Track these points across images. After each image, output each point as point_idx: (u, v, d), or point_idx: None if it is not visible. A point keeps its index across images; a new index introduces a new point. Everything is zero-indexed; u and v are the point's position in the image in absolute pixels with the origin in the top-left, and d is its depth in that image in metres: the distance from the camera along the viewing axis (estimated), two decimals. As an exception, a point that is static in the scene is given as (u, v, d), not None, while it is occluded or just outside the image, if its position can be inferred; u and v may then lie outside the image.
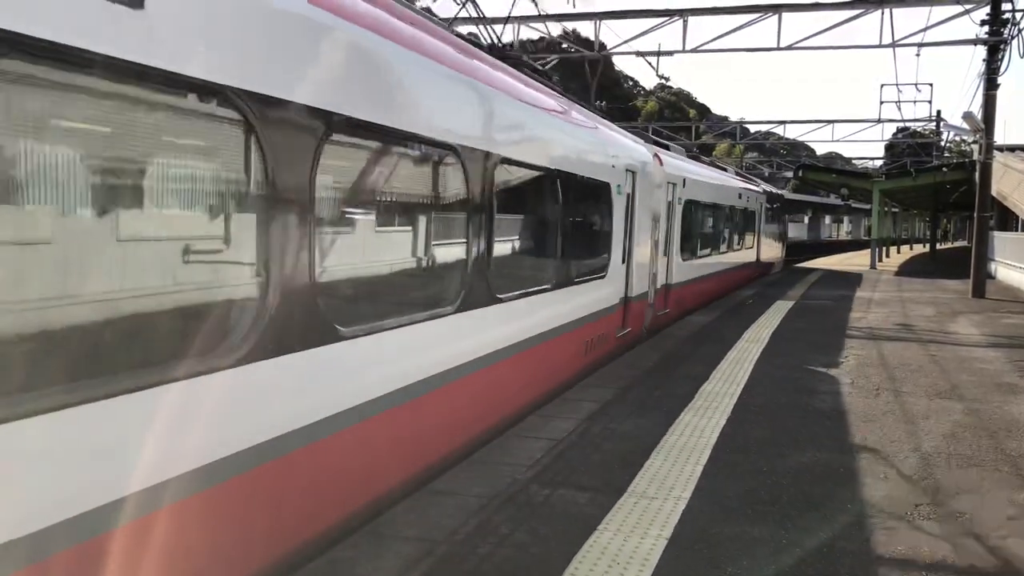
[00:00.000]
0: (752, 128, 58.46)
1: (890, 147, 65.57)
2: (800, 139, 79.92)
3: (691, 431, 7.26)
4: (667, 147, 16.26)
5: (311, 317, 4.33)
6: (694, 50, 21.33)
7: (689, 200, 15.75)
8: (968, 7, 19.47)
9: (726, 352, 11.50)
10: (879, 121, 38.09)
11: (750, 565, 4.53)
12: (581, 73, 32.78)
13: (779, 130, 58.92)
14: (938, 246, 51.99)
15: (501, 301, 6.97)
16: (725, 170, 24.86)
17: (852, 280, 26.58)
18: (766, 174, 64.63)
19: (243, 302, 3.97)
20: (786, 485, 5.90)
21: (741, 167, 52.02)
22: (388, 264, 5.63)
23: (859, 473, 6.22)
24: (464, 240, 6.34)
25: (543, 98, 8.58)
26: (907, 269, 33.53)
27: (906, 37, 21.30)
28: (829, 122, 42.17)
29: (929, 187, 35.53)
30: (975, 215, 21.92)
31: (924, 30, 20.98)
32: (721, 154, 74.46)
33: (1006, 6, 19.76)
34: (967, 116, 21.66)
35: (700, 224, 17.55)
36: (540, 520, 5.09)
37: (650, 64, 22.76)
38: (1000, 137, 26.52)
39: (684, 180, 15.29)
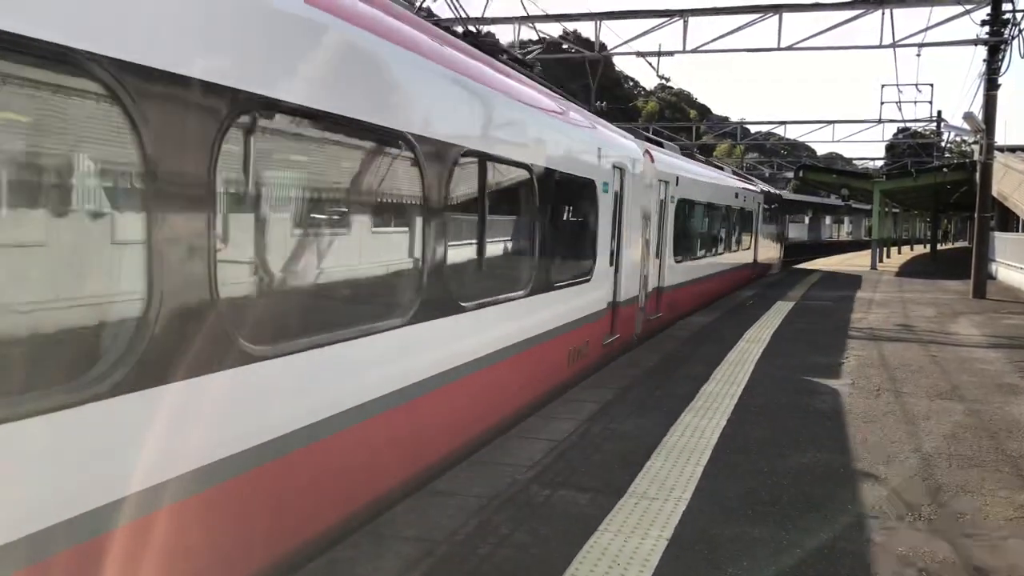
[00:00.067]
0: (753, 128, 58.43)
1: (891, 147, 65.54)
2: (801, 140, 79.86)
3: (691, 431, 7.25)
4: (660, 144, 15.84)
5: (209, 337, 3.61)
6: (694, 50, 21.34)
7: (683, 199, 15.25)
8: (968, 7, 19.47)
9: (726, 353, 11.50)
10: (880, 121, 38.15)
11: (750, 566, 4.53)
12: (582, 74, 32.80)
13: (780, 131, 58.91)
14: (939, 247, 52.00)
15: (465, 310, 6.31)
16: (722, 169, 24.47)
17: (853, 281, 26.57)
18: (767, 174, 64.64)
19: (114, 323, 3.29)
20: (787, 486, 5.89)
21: (742, 167, 52.00)
22: (322, 271, 4.83)
23: (860, 474, 6.22)
24: (419, 242, 5.63)
25: (520, 88, 7.94)
26: (908, 270, 33.52)
27: (907, 37, 21.31)
28: (830, 123, 42.21)
29: (930, 188, 35.54)
30: (976, 216, 21.92)
31: (925, 30, 21.03)
32: (722, 155, 74.41)
33: (1006, 6, 19.77)
34: (968, 116, 21.65)
35: (694, 224, 17.07)
36: (540, 521, 5.09)
37: (650, 64, 22.81)
38: (1001, 137, 26.49)
39: (677, 178, 14.77)
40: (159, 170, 3.31)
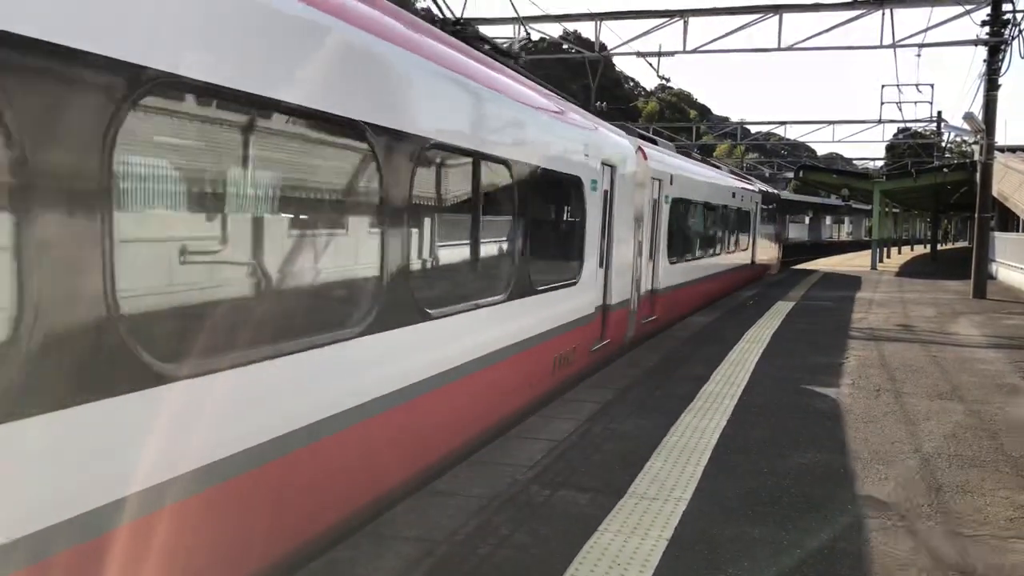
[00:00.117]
0: (753, 129, 58.45)
1: (891, 148, 65.57)
2: (801, 140, 79.82)
3: (692, 432, 7.25)
4: (654, 142, 15.42)
5: (105, 355, 3.13)
6: (695, 51, 21.34)
7: (677, 198, 14.81)
8: (969, 8, 19.47)
9: (727, 353, 11.50)
10: (880, 122, 38.09)
11: (750, 566, 4.53)
12: (582, 74, 32.82)
13: (780, 131, 59.02)
14: (939, 247, 51.98)
15: (431, 317, 5.76)
16: (719, 168, 24.06)
17: (853, 281, 26.58)
18: (767, 175, 64.66)
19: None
20: (787, 486, 5.89)
21: (742, 168, 52.00)
22: (249, 277, 4.27)
23: (860, 474, 6.22)
24: (376, 244, 5.09)
25: (499, 78, 7.42)
26: (908, 270, 33.52)
27: (907, 38, 21.34)
28: (830, 123, 42.17)
29: (930, 188, 35.54)
30: (976, 216, 21.92)
31: (925, 31, 21.03)
32: (722, 155, 74.45)
33: (1006, 7, 19.77)
34: (968, 117, 21.65)
35: (690, 225, 16.64)
36: (540, 521, 5.08)
37: (651, 65, 22.79)
38: (1001, 138, 26.51)
39: (672, 177, 14.35)
40: (40, 159, 2.86)
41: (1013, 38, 19.55)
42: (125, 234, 3.28)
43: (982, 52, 20.37)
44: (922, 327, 15.09)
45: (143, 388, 3.29)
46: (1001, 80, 20.14)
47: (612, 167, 10.48)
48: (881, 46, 20.02)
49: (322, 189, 4.93)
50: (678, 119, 77.58)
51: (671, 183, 14.26)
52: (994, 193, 23.72)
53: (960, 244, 70.95)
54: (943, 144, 53.57)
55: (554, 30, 50.08)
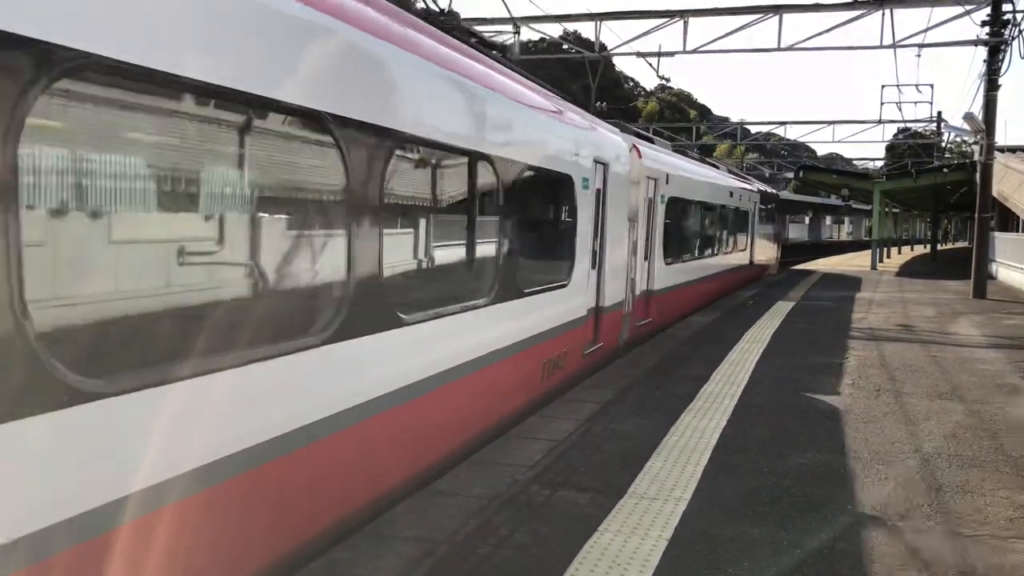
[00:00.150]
0: (753, 129, 58.40)
1: (891, 148, 65.58)
2: (801, 140, 79.76)
3: (692, 432, 7.25)
4: (650, 140, 15.16)
5: (24, 369, 2.84)
6: (695, 51, 21.33)
7: (673, 198, 14.51)
8: (969, 8, 19.46)
9: (727, 353, 11.50)
10: (880, 122, 38.09)
11: (750, 566, 4.53)
12: (582, 74, 32.83)
13: (780, 131, 58.99)
14: (939, 247, 52.00)
15: (406, 324, 5.39)
16: (717, 167, 23.80)
17: (853, 281, 26.58)
18: (767, 175, 64.67)
19: None
20: (787, 486, 5.89)
21: (742, 168, 52.01)
22: (196, 282, 3.94)
23: (860, 474, 6.22)
24: (343, 245, 4.71)
25: (483, 70, 7.03)
26: (908, 270, 33.53)
27: (907, 38, 21.31)
28: (830, 123, 42.14)
29: (930, 188, 35.55)
30: (976, 216, 21.92)
31: (925, 31, 21.03)
32: (722, 155, 74.49)
33: (1006, 7, 19.77)
34: (968, 117, 21.65)
35: (686, 225, 16.41)
36: (541, 521, 5.09)
37: (651, 65, 22.77)
38: (1001, 138, 26.50)
39: (667, 176, 14.06)
40: None
41: (1013, 38, 19.56)
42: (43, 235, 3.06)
43: (982, 52, 20.40)
44: (922, 327, 15.09)
45: (53, 408, 2.95)
46: (1001, 80, 20.16)
47: (605, 165, 10.21)
48: (881, 46, 20.02)
49: (273, 184, 4.48)
50: (678, 119, 77.59)
51: (667, 182, 14.01)
52: (994, 193, 23.73)
53: (960, 244, 70.97)
54: (943, 144, 53.59)
55: (554, 30, 50.17)
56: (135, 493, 3.25)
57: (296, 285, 4.67)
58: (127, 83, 3.31)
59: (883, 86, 68.09)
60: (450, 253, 6.67)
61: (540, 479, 5.88)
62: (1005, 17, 19.75)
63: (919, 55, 37.16)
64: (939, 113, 50.51)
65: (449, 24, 7.56)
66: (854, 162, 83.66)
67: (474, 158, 6.61)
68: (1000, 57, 19.89)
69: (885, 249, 42.18)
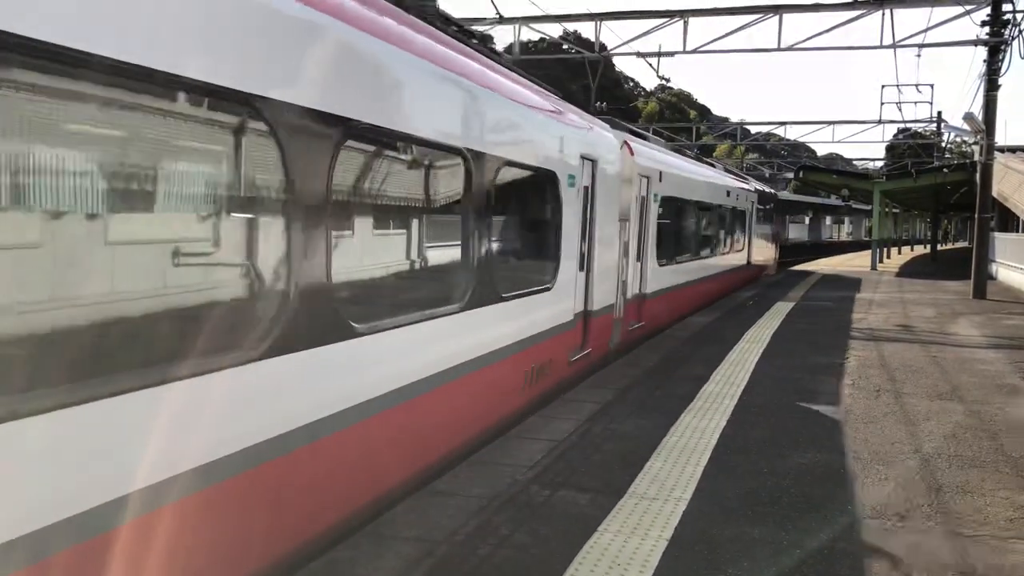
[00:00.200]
0: (753, 129, 58.43)
1: (891, 148, 65.62)
2: (801, 140, 79.68)
3: (691, 432, 7.25)
4: (644, 137, 14.68)
5: None
6: (695, 51, 21.35)
7: (668, 197, 14.11)
8: (969, 8, 19.48)
9: (727, 353, 11.50)
10: (880, 122, 38.11)
11: (750, 567, 4.53)
12: (582, 74, 32.85)
13: (780, 131, 59.01)
14: (939, 247, 52.01)
15: (359, 334, 4.82)
16: (713, 165, 23.43)
17: (853, 281, 26.59)
18: (767, 175, 64.68)
19: None
20: (786, 486, 5.89)
21: (742, 168, 52.03)
22: (102, 286, 3.41)
23: (860, 474, 6.22)
24: (281, 246, 4.16)
25: (454, 56, 6.48)
26: (908, 270, 33.54)
27: (907, 38, 21.31)
28: (830, 123, 42.18)
29: (930, 188, 35.56)
30: (976, 216, 21.93)
31: (925, 31, 21.02)
32: (722, 155, 74.50)
33: (1006, 7, 19.78)
34: (968, 117, 21.65)
35: (681, 224, 15.97)
36: (540, 521, 5.09)
37: (651, 65, 22.79)
38: (1001, 138, 26.49)
39: (661, 174, 13.63)
40: None
41: (1013, 38, 19.57)
42: None
43: (982, 52, 20.41)
44: (922, 327, 15.09)
45: None
46: (1001, 80, 20.16)
47: (593, 161, 9.74)
48: (881, 46, 20.03)
49: (225, 180, 3.98)
50: (678, 119, 77.60)
51: (660, 180, 13.60)
52: (994, 193, 23.73)
53: (960, 244, 70.98)
54: (943, 144, 53.62)
55: (554, 30, 50.12)
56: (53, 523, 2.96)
57: (219, 293, 4.00)
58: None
59: (883, 86, 68.13)
60: (414, 256, 6.13)
61: (540, 479, 5.88)
62: (1005, 17, 19.76)
63: (919, 55, 37.18)
64: (939, 113, 50.54)
65: (424, 8, 6.87)
66: (854, 162, 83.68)
67: (442, 151, 6.11)
68: (1000, 57, 19.90)
69: (885, 249, 42.18)
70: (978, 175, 21.92)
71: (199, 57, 3.56)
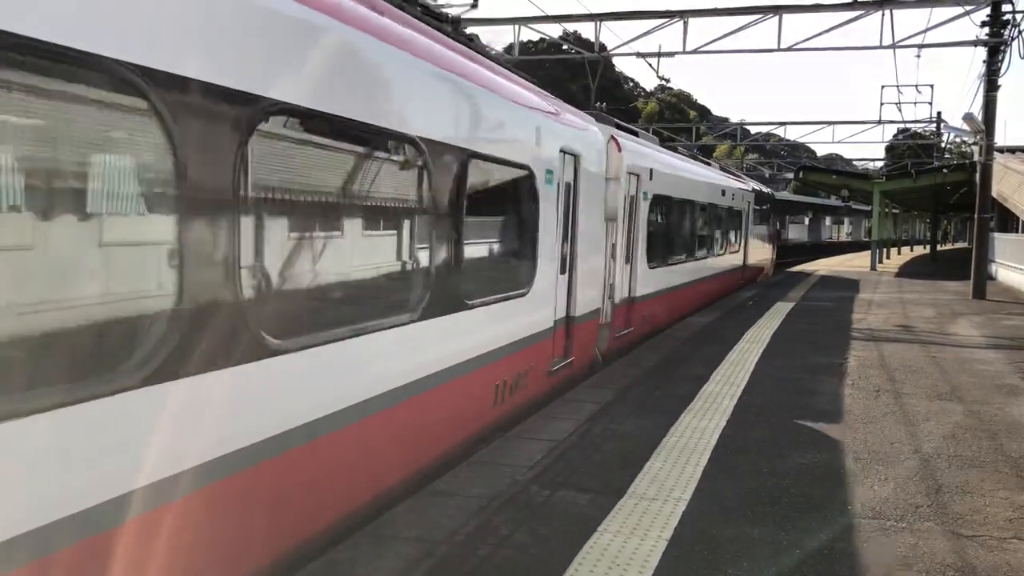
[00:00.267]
0: (753, 129, 58.42)
1: (891, 148, 65.69)
2: (801, 140, 79.90)
3: (691, 432, 7.26)
4: (634, 133, 14.02)
5: None
6: (694, 51, 21.34)
7: (658, 196, 13.50)
8: (968, 8, 19.48)
9: (727, 353, 11.50)
10: (880, 122, 38.14)
11: (750, 567, 4.53)
12: (582, 74, 32.86)
13: (780, 131, 59.11)
14: (938, 247, 52.03)
15: (281, 352, 4.16)
16: (708, 164, 22.95)
17: (852, 282, 26.59)
18: (767, 175, 64.72)
19: None
20: (786, 486, 5.90)
21: (742, 168, 52.05)
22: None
23: (859, 474, 6.22)
24: (186, 248, 3.53)
25: (411, 36, 5.78)
26: (908, 270, 33.55)
27: (907, 38, 21.34)
28: (830, 123, 42.13)
29: (929, 188, 35.57)
30: (975, 216, 21.93)
31: (925, 31, 21.04)
32: (722, 155, 74.52)
33: (1006, 7, 19.79)
34: (967, 117, 21.66)
35: (673, 225, 15.34)
36: (540, 521, 5.09)
37: (650, 65, 22.78)
38: (1000, 138, 26.57)
39: (651, 172, 13.05)
40: None
41: (1013, 39, 19.57)
42: None
43: (982, 52, 20.41)
44: (922, 328, 15.10)
45: None
46: (1001, 80, 20.17)
47: (575, 156, 9.13)
48: (881, 47, 20.03)
49: (73, 169, 3.22)
50: (678, 120, 77.64)
51: (651, 178, 13.01)
52: (994, 194, 23.74)
53: (960, 245, 71.02)
54: (943, 145, 53.64)
55: (554, 30, 50.15)
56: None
57: (124, 303, 3.43)
58: None
59: (883, 86, 68.68)
60: (356, 260, 5.35)
61: (540, 479, 5.88)
62: (1005, 17, 19.77)
63: (919, 55, 37.33)
64: (939, 113, 50.73)
65: None
66: (854, 162, 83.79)
67: (389, 138, 5.42)
68: (1000, 57, 19.91)
69: (885, 250, 42.20)
70: (978, 175, 21.92)
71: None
